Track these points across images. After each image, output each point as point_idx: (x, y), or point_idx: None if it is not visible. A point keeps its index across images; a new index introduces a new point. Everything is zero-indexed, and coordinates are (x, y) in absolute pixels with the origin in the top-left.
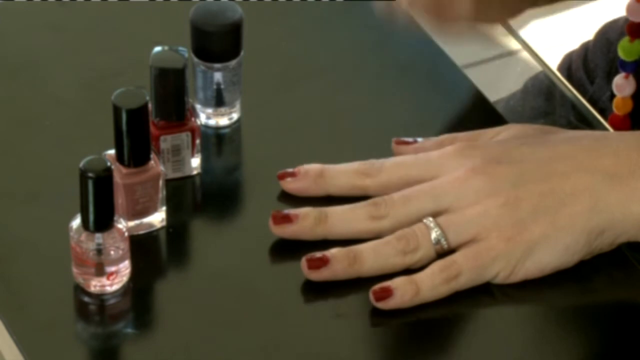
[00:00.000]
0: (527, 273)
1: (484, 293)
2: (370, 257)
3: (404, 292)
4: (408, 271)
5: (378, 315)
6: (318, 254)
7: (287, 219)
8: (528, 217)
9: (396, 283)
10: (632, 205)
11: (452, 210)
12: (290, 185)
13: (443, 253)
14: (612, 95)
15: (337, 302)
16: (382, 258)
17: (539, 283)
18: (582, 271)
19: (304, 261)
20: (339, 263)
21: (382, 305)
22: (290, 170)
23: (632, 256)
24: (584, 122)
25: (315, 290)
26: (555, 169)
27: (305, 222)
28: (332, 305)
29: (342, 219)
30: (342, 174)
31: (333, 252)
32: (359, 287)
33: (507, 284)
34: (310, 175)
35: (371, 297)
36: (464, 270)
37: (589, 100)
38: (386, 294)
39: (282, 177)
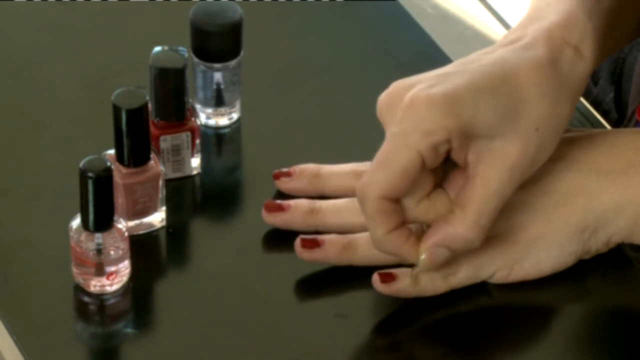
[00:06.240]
0: (526, 274)
1: (482, 293)
2: (365, 246)
3: (405, 280)
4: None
5: (378, 316)
6: (313, 236)
7: (280, 208)
8: (524, 218)
9: (398, 270)
10: (624, 203)
11: None
12: (285, 185)
13: None
14: (616, 97)
15: (337, 302)
16: (375, 249)
17: (538, 283)
18: (580, 271)
19: (298, 240)
20: (333, 247)
21: (385, 288)
22: (285, 170)
23: (631, 256)
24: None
25: (314, 291)
26: (550, 170)
27: (298, 211)
28: (331, 305)
29: (335, 211)
30: (337, 175)
31: (328, 236)
32: (359, 287)
33: (506, 283)
34: (305, 175)
35: (375, 279)
36: (461, 267)
37: (593, 102)
38: (390, 277)
39: (277, 176)
